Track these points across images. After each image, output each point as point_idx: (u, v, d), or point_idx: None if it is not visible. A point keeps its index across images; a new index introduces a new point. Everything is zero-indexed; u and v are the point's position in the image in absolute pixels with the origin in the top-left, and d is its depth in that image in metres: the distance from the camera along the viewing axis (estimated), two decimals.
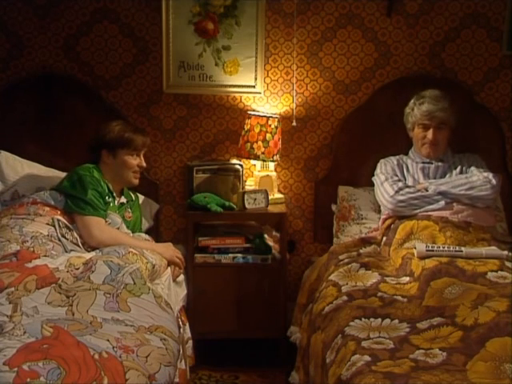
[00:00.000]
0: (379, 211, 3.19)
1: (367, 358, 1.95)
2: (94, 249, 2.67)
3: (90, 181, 2.81)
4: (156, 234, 3.42)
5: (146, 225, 3.29)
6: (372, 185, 3.20)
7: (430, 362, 1.90)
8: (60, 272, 2.32)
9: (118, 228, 2.85)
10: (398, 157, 3.23)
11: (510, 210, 3.32)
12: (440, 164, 3.13)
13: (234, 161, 3.42)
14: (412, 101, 3.16)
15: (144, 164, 3.03)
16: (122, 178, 2.97)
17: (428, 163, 3.14)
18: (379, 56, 3.47)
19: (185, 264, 3.00)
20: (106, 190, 2.88)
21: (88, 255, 2.52)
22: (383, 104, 3.42)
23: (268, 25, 3.40)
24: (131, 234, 2.93)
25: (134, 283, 2.30)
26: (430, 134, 3.09)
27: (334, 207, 3.42)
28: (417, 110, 3.11)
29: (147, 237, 3.02)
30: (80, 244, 2.71)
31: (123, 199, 3.03)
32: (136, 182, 3.02)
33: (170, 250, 2.91)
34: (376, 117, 3.43)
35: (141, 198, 3.29)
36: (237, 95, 3.49)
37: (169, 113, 3.50)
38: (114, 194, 2.95)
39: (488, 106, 3.48)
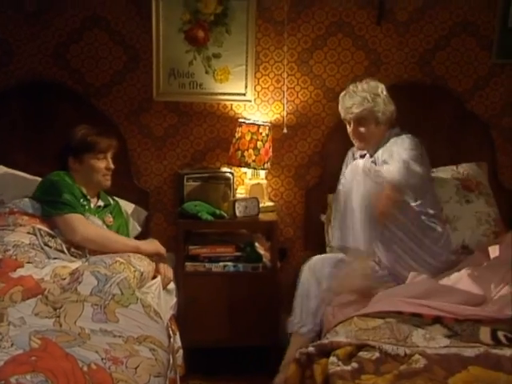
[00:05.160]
0: None
1: None
2: (79, 255, 2.68)
3: (63, 184, 2.80)
4: None
5: (134, 232, 3.28)
6: None
7: None
8: (46, 282, 2.30)
9: None
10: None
11: (502, 220, 3.24)
12: (374, 159, 2.95)
13: (225, 169, 3.42)
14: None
15: (112, 166, 2.97)
16: (92, 182, 2.94)
17: (361, 157, 3.05)
18: (370, 64, 3.47)
19: (173, 272, 2.99)
20: (80, 194, 2.87)
21: (74, 265, 2.51)
22: None
23: (258, 33, 3.40)
24: None
25: (122, 293, 2.28)
26: (349, 129, 3.02)
27: (322, 217, 3.39)
28: (339, 107, 3.04)
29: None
30: (65, 249, 2.69)
31: (100, 202, 3.01)
32: (107, 183, 2.98)
33: (152, 244, 2.94)
34: None
35: (130, 205, 3.28)
36: (227, 103, 3.48)
37: (159, 120, 3.49)
38: (89, 197, 2.94)
39: (478, 113, 3.49)
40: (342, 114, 3.03)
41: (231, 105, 3.49)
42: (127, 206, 3.29)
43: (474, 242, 3.06)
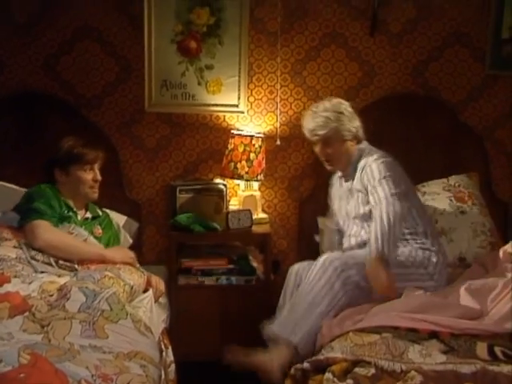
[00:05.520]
0: None
1: None
2: (68, 267, 2.62)
3: (40, 193, 2.79)
4: (138, 254, 3.33)
5: (126, 244, 3.24)
6: None
7: None
8: (33, 299, 2.26)
9: (85, 240, 2.80)
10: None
11: (498, 230, 3.21)
12: (349, 185, 2.92)
13: (218, 180, 3.40)
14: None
15: (99, 177, 2.94)
16: (79, 194, 2.91)
17: (340, 184, 3.00)
18: (363, 75, 3.47)
19: (165, 284, 2.94)
20: (64, 206, 2.84)
21: (62, 280, 2.47)
22: (367, 123, 3.40)
23: (251, 44, 3.40)
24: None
25: (111, 309, 2.23)
26: (316, 150, 2.95)
27: (317, 238, 3.30)
28: (303, 128, 2.96)
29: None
30: (53, 262, 2.64)
31: (88, 214, 2.97)
32: (95, 196, 2.96)
33: (120, 252, 2.86)
34: None
35: (122, 217, 3.25)
36: (220, 114, 3.47)
37: (151, 132, 3.47)
38: (75, 209, 2.90)
39: (471, 125, 3.48)
40: (307, 136, 2.95)
41: (224, 116, 3.47)
42: (119, 218, 3.25)
43: (470, 254, 3.02)
